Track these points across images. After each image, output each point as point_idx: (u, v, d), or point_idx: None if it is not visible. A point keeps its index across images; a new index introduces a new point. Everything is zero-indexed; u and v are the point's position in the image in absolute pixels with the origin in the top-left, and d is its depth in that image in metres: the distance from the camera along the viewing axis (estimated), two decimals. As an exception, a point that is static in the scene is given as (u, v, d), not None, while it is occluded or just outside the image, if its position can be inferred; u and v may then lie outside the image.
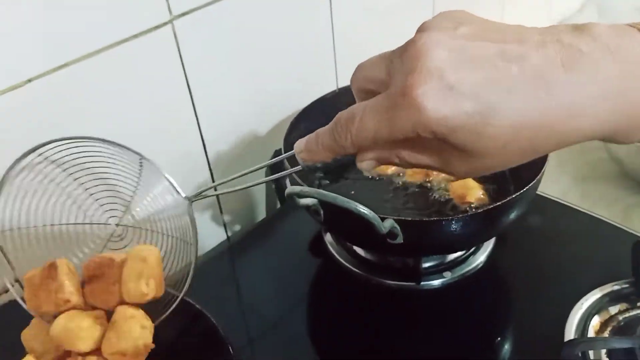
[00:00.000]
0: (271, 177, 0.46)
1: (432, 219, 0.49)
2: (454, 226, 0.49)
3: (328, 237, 0.70)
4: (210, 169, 0.71)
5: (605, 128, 0.30)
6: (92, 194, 0.53)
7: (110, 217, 0.53)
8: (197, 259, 0.50)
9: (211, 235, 0.75)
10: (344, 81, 0.80)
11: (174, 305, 0.49)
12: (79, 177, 0.51)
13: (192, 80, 0.64)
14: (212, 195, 0.46)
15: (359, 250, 0.67)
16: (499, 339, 0.58)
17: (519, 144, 0.29)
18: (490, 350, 0.57)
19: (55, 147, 0.47)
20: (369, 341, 0.59)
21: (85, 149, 0.48)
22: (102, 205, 0.53)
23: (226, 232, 0.77)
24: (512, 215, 0.54)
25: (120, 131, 0.58)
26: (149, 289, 0.46)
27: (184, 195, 0.48)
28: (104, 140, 0.47)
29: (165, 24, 0.59)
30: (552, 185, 0.87)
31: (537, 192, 0.73)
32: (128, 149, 0.48)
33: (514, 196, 0.51)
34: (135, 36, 0.57)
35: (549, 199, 0.74)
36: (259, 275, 0.69)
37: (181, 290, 0.49)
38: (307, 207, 0.51)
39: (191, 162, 0.69)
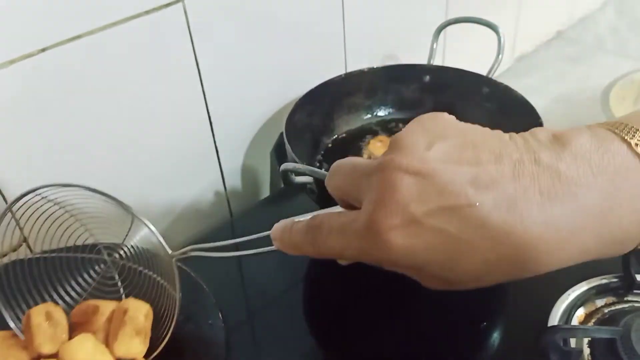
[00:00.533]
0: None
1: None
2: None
3: (327, 219, 0.71)
4: (216, 148, 0.73)
5: (591, 252, 0.28)
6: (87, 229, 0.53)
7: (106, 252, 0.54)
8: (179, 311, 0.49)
9: (215, 212, 0.77)
10: (353, 66, 0.81)
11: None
12: (76, 214, 0.51)
13: (201, 59, 0.65)
14: (197, 255, 0.47)
15: (355, 232, 0.68)
16: (484, 323, 0.59)
17: (492, 276, 0.28)
18: (475, 334, 0.59)
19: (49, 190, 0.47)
20: (361, 318, 0.61)
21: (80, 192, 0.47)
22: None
23: (229, 209, 0.79)
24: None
25: (129, 104, 0.61)
26: (144, 347, 0.47)
27: (170, 252, 0.48)
28: (98, 192, 0.46)
29: (177, 1, 0.61)
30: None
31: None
32: (120, 203, 0.47)
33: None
34: (147, 12, 0.59)
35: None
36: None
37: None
38: (303, 186, 0.53)
39: (197, 141, 0.71)
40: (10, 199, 0.55)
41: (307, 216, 0.35)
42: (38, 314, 0.48)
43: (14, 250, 0.58)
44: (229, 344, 0.48)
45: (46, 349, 0.46)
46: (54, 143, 0.57)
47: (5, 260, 0.56)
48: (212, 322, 0.50)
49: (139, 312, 0.48)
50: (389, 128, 0.74)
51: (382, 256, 0.27)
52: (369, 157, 0.70)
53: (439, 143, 0.28)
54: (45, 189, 0.46)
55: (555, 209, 0.26)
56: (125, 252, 0.51)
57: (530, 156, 0.27)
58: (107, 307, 0.50)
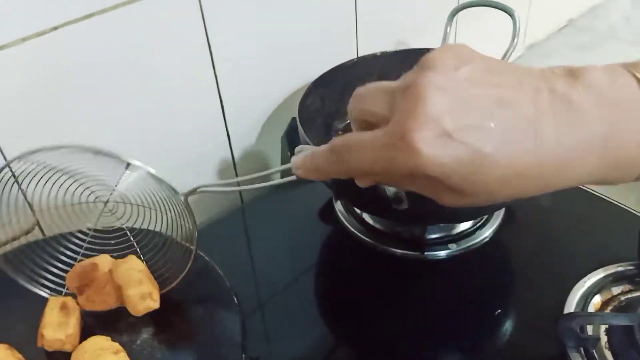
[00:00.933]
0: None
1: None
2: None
3: (338, 205, 0.71)
4: (227, 133, 0.72)
5: (594, 175, 0.31)
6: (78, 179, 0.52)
7: (97, 197, 0.54)
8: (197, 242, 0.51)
9: (226, 197, 0.77)
10: (365, 50, 0.80)
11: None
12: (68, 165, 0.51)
13: (213, 41, 0.64)
14: (209, 192, 0.47)
15: (367, 218, 0.68)
16: (499, 311, 0.59)
17: (508, 191, 0.30)
18: (490, 321, 0.58)
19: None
20: (373, 306, 0.60)
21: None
22: (88, 187, 0.53)
23: (240, 195, 0.79)
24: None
25: (139, 86, 0.60)
26: (154, 301, 0.49)
27: (180, 193, 0.49)
28: (90, 150, 0.46)
29: (189, -18, 0.60)
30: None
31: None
32: (112, 154, 0.46)
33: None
34: (160, -7, 0.58)
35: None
36: (270, 239, 0.70)
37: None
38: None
39: (209, 125, 0.70)
40: (19, 176, 0.54)
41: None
42: (55, 301, 0.49)
43: (27, 233, 0.58)
44: (245, 327, 0.48)
45: (49, 334, 0.47)
46: (65, 121, 0.56)
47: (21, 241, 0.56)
48: (228, 305, 0.50)
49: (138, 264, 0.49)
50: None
51: (411, 164, 0.29)
52: None
53: (467, 66, 0.30)
54: (38, 153, 0.46)
55: (566, 132, 0.29)
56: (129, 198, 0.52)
57: (547, 85, 0.29)
58: (103, 261, 0.51)
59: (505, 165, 0.29)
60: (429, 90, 0.29)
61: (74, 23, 0.52)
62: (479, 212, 0.62)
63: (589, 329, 0.53)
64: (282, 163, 0.82)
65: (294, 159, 0.38)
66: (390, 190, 0.48)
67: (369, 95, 0.33)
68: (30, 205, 0.56)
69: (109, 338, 0.47)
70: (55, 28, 0.52)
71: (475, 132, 0.28)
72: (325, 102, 0.71)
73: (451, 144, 0.28)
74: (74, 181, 0.51)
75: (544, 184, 0.30)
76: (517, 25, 0.69)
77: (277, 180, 0.44)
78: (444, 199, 0.32)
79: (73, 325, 0.48)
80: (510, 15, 0.70)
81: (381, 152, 0.30)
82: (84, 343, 0.47)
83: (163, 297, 0.51)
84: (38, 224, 0.58)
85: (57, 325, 0.47)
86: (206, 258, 0.53)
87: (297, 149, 0.48)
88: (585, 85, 0.29)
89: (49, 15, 0.51)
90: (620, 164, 0.30)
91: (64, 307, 0.48)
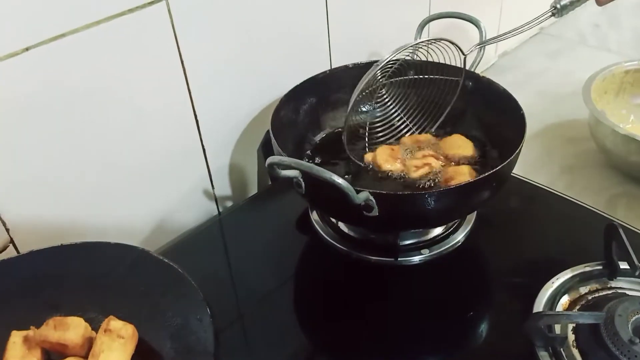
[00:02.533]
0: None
1: (406, 192, 0.51)
2: (428, 200, 0.51)
3: (314, 215, 0.72)
4: (203, 147, 0.73)
5: None
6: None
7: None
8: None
9: (202, 210, 0.78)
10: (338, 62, 0.81)
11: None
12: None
13: (186, 57, 0.66)
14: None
15: (342, 227, 0.69)
16: (471, 313, 0.60)
17: None
18: (463, 323, 0.59)
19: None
20: (349, 313, 0.61)
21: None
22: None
23: (217, 206, 0.79)
24: (484, 194, 0.56)
25: (113, 103, 0.61)
26: None
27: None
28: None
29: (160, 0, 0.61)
30: (540, 173, 0.89)
31: (523, 178, 0.76)
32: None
33: (485, 175, 0.53)
34: (131, 10, 0.59)
35: (532, 184, 0.76)
36: (248, 249, 0.71)
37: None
38: (290, 180, 0.53)
39: (184, 140, 0.71)
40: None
41: None
42: (17, 335, 0.49)
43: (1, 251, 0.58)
44: (218, 339, 0.48)
45: None
46: (38, 141, 0.57)
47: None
48: (200, 317, 0.51)
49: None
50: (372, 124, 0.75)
51: None
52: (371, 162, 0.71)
53: None
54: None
55: None
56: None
57: None
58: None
59: None
60: None
61: (46, 43, 0.53)
62: (449, 217, 0.63)
63: (557, 328, 0.55)
64: (259, 175, 0.83)
65: None
66: (360, 197, 0.49)
67: None
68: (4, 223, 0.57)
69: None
70: (27, 49, 0.53)
71: None
72: (299, 115, 0.72)
73: None
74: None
75: None
76: (484, 35, 0.71)
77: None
78: None
79: (37, 357, 0.48)
80: (476, 26, 0.71)
81: None
82: None
83: (135, 308, 0.51)
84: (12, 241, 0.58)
85: (20, 358, 0.48)
86: (179, 270, 0.53)
87: (268, 160, 0.50)
88: None
89: (20, 35, 0.52)
90: None
91: (26, 340, 0.49)
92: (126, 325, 0.50)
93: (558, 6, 0.62)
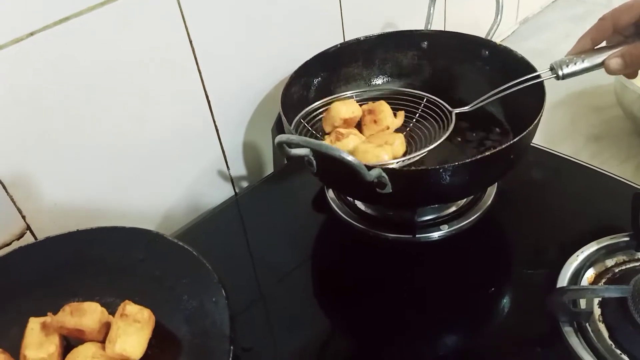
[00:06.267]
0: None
1: (419, 168, 0.49)
2: (443, 175, 0.50)
3: (330, 194, 0.71)
4: (216, 127, 0.72)
5: None
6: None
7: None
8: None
9: (219, 191, 0.77)
10: (351, 35, 0.79)
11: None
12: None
13: (194, 36, 0.64)
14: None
15: (359, 204, 0.68)
16: (492, 289, 0.59)
17: None
18: (484, 299, 0.58)
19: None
20: (368, 292, 0.60)
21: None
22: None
23: (234, 187, 0.79)
24: (502, 167, 0.54)
25: (123, 86, 0.60)
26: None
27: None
28: None
29: (165, -21, 0.60)
30: (564, 143, 0.86)
31: (545, 149, 0.73)
32: None
33: (502, 147, 0.51)
34: (136, -9, 0.58)
35: (554, 154, 0.73)
36: (265, 230, 0.71)
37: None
38: (301, 158, 0.52)
39: (196, 120, 0.70)
40: (7, 183, 0.55)
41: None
42: (35, 321, 0.49)
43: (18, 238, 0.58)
44: (233, 321, 0.48)
45: (31, 354, 0.47)
46: (48, 127, 0.56)
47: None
48: (215, 300, 0.50)
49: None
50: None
51: None
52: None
53: None
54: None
55: None
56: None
57: None
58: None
59: None
60: None
61: (50, 27, 0.52)
62: (467, 191, 0.61)
63: (582, 303, 0.53)
64: (274, 154, 0.82)
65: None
66: (372, 174, 0.48)
67: None
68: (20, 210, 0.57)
69: (100, 345, 0.48)
70: (32, 34, 0.52)
71: None
72: (310, 90, 0.70)
73: None
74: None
75: None
76: (500, 1, 0.68)
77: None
78: None
79: (54, 343, 0.48)
80: (491, -8, 0.69)
81: None
82: (76, 349, 0.47)
83: (151, 292, 0.51)
84: (29, 228, 0.59)
85: (39, 344, 0.48)
86: (194, 253, 0.53)
87: (277, 138, 0.48)
88: None
89: (24, 20, 0.51)
90: None
91: (44, 327, 0.49)
92: (142, 309, 0.50)
93: (560, 73, 0.56)
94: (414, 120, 0.68)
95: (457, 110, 0.64)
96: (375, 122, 0.66)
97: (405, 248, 0.64)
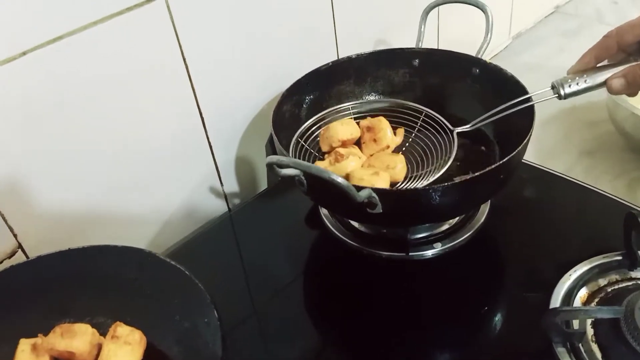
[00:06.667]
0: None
1: (409, 189, 0.49)
2: (433, 196, 0.50)
3: (323, 210, 0.71)
4: (209, 143, 0.72)
5: None
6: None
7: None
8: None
9: (212, 207, 0.77)
10: (345, 53, 0.79)
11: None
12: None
13: (187, 53, 0.64)
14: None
15: (351, 221, 0.68)
16: (486, 308, 0.58)
17: None
18: (477, 318, 0.58)
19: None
20: (361, 310, 0.60)
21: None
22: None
23: (227, 203, 0.79)
24: (493, 187, 0.54)
25: (116, 103, 0.60)
26: None
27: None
28: None
29: (158, -4, 0.60)
30: (557, 158, 0.87)
31: (537, 166, 0.74)
32: None
33: (491, 167, 0.51)
34: (129, 9, 0.58)
35: (547, 171, 0.74)
36: (258, 246, 0.70)
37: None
38: (292, 179, 0.52)
39: (189, 136, 0.70)
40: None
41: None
42: (25, 343, 0.49)
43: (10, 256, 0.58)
44: (225, 342, 0.48)
45: None
46: (42, 145, 0.56)
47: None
48: (207, 321, 0.50)
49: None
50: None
51: None
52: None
53: None
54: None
55: None
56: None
57: None
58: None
59: None
60: None
61: (43, 47, 0.52)
62: (458, 211, 0.61)
63: (575, 323, 0.53)
64: (268, 170, 0.82)
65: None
66: (362, 195, 0.48)
67: None
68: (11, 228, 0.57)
69: None
70: (24, 53, 0.52)
71: None
72: (302, 108, 0.70)
73: None
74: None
75: None
76: (490, 20, 0.69)
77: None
78: None
79: None
80: (482, 10, 0.69)
81: None
82: None
83: (143, 312, 0.50)
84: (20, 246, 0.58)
85: None
86: (186, 272, 0.53)
87: (267, 159, 0.48)
88: None
89: (16, 39, 0.51)
90: None
91: (34, 349, 0.48)
92: (133, 331, 0.50)
93: (562, 93, 0.55)
94: (412, 135, 0.68)
95: (459, 130, 0.63)
96: (374, 140, 0.66)
97: (398, 266, 0.64)
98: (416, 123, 0.68)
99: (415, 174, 0.62)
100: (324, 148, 0.67)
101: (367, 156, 0.66)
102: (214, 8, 0.65)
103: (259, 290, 0.65)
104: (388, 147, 0.66)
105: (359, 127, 0.68)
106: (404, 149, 0.67)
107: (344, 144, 0.66)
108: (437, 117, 0.66)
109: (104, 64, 0.58)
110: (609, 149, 0.87)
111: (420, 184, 0.59)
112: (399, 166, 0.61)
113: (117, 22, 0.57)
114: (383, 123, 0.67)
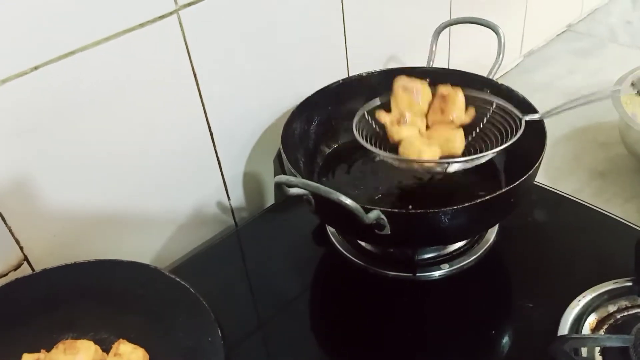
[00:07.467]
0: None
1: (418, 211, 0.49)
2: (442, 218, 0.49)
3: (331, 228, 0.70)
4: (217, 158, 0.72)
5: None
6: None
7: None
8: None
9: (219, 221, 0.77)
10: (355, 70, 0.79)
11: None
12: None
13: (198, 69, 0.65)
14: None
15: (359, 241, 0.67)
16: (493, 332, 0.58)
17: None
18: (485, 342, 0.57)
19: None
20: (367, 330, 0.60)
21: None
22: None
23: (234, 217, 0.78)
24: (503, 210, 0.53)
25: (127, 118, 0.61)
26: None
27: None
28: None
29: (170, 13, 0.60)
30: (568, 179, 0.86)
31: (548, 187, 0.73)
32: None
33: (502, 191, 0.50)
34: (141, 25, 0.58)
35: (557, 193, 0.73)
36: (265, 263, 0.70)
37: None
38: (300, 197, 0.52)
39: (198, 151, 0.70)
40: (5, 213, 0.55)
41: None
42: (28, 358, 0.49)
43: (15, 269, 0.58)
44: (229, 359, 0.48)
45: None
46: (52, 159, 0.57)
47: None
48: (211, 339, 0.50)
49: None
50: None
51: None
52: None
53: None
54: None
55: None
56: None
57: None
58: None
59: None
60: None
61: (55, 62, 0.53)
62: (467, 233, 0.61)
63: (584, 351, 0.52)
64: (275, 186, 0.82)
65: None
66: (371, 217, 0.48)
67: None
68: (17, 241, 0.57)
69: None
70: (36, 67, 0.52)
71: None
72: (312, 126, 0.71)
73: None
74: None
75: None
76: (502, 41, 0.69)
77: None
78: None
79: None
80: (494, 31, 0.69)
81: None
82: None
83: (146, 329, 0.50)
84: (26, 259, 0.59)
85: None
86: (191, 290, 0.53)
87: (276, 179, 0.48)
88: None
89: (29, 54, 0.51)
90: None
91: None
92: (136, 349, 0.49)
93: None
94: (481, 124, 0.65)
95: (527, 118, 0.61)
96: (442, 111, 0.63)
97: (405, 286, 0.63)
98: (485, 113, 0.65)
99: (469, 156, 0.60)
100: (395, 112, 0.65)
101: (429, 123, 0.65)
102: (226, 26, 0.65)
103: (264, 306, 0.64)
104: (452, 121, 0.63)
105: (436, 91, 0.66)
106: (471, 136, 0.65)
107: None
108: (506, 107, 0.63)
109: (114, 78, 0.58)
110: (620, 171, 0.86)
111: (472, 163, 0.58)
112: (458, 141, 0.60)
113: (129, 38, 0.57)
114: (458, 96, 0.64)
